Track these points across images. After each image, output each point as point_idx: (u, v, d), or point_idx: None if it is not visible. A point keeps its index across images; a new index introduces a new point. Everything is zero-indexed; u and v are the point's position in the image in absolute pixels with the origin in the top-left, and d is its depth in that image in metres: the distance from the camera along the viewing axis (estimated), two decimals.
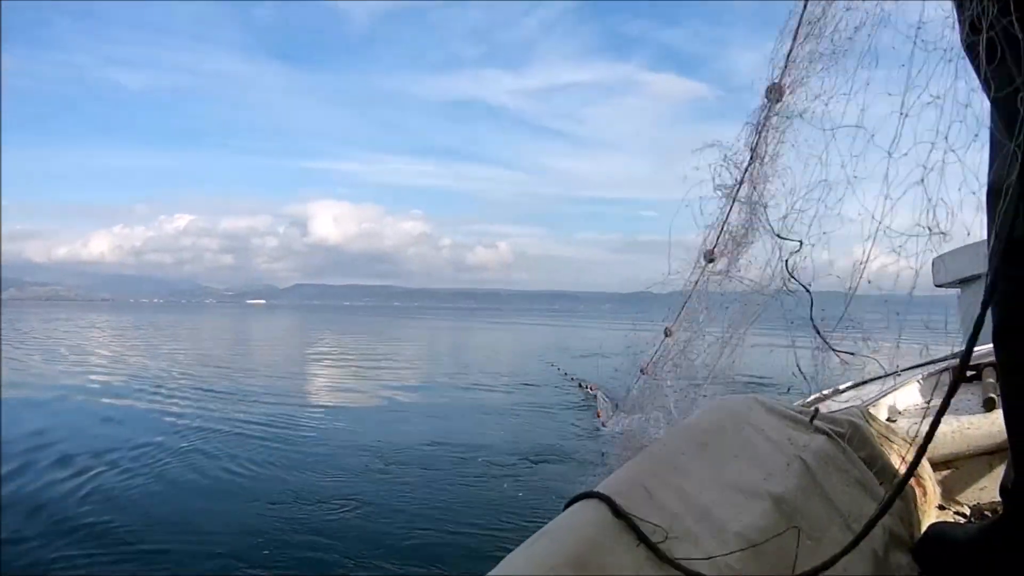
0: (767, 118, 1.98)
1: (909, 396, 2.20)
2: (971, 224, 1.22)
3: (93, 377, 17.36)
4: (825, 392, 2.07)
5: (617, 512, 0.92)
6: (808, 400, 1.85)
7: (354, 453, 9.44)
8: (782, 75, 1.90)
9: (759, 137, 2.03)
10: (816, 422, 1.34)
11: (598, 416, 11.42)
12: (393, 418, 12.03)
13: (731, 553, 0.91)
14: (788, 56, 1.87)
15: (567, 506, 0.97)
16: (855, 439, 1.33)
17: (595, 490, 0.96)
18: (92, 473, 8.09)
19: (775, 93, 1.94)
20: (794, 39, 1.82)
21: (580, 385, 15.34)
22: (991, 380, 2.16)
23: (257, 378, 17.76)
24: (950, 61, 1.18)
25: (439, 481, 7.84)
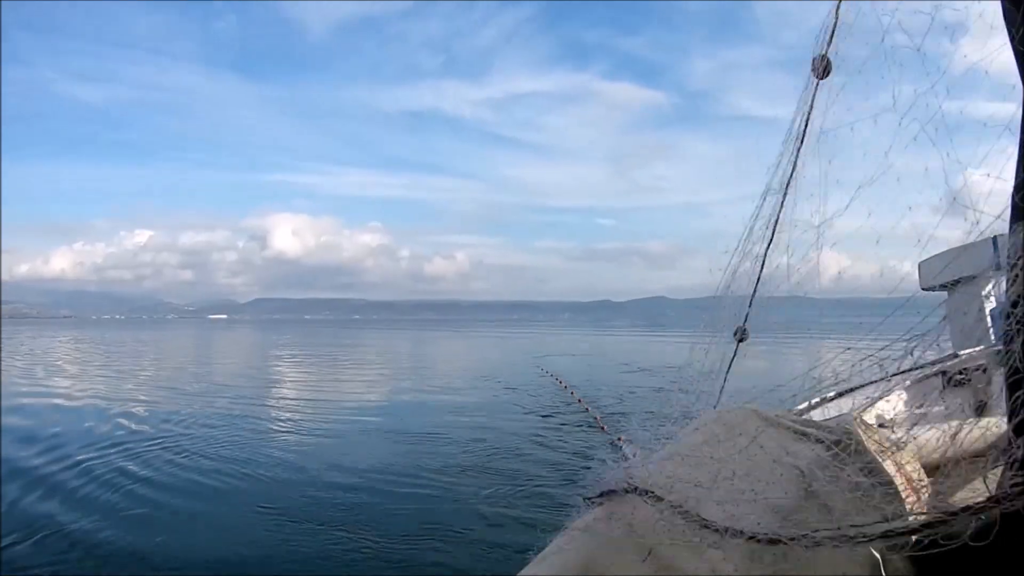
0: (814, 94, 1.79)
1: (899, 402, 2.22)
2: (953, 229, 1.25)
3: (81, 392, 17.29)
4: (816, 400, 2.07)
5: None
6: (800, 408, 1.86)
7: (367, 454, 9.69)
8: (827, 46, 1.76)
9: (808, 115, 1.84)
10: (810, 430, 1.36)
11: (603, 430, 11.46)
12: (389, 430, 12.01)
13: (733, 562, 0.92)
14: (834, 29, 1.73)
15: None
16: (848, 446, 1.35)
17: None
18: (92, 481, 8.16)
19: (821, 65, 1.79)
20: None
21: (580, 400, 15.37)
22: (981, 384, 2.18)
23: (238, 394, 17.61)
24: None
25: (447, 486, 7.89)
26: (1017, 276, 0.94)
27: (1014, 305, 1.01)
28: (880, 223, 1.42)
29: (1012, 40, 1.10)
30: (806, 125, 1.81)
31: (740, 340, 2.18)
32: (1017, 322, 1.02)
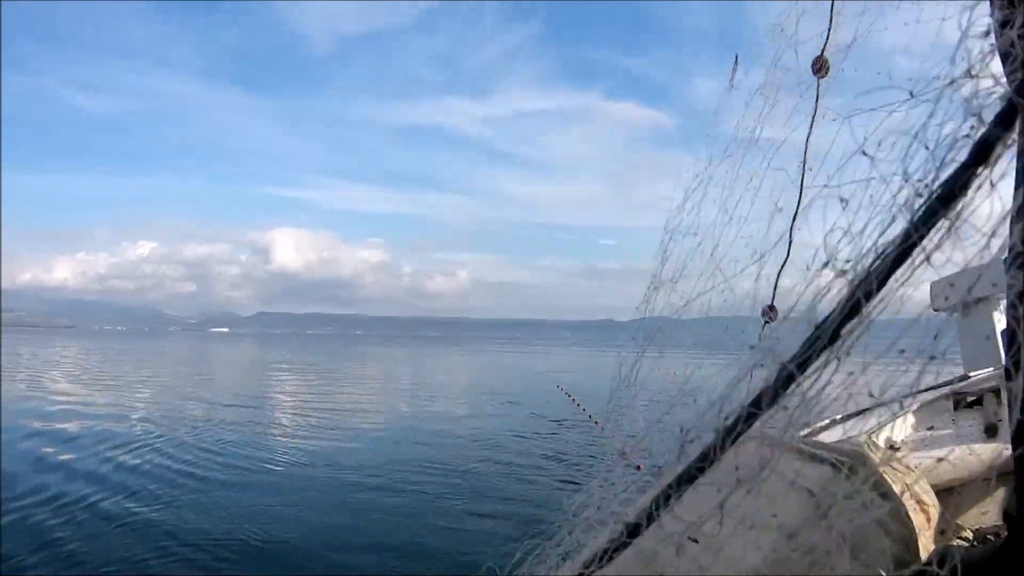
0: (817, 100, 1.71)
1: (909, 424, 2.23)
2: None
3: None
4: (824, 422, 2.08)
5: None
6: (809, 430, 1.88)
7: (382, 467, 9.86)
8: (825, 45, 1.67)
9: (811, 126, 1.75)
10: (820, 452, 1.38)
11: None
12: (414, 445, 12.03)
13: None
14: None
15: None
16: (859, 468, 1.36)
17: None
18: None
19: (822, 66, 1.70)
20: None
21: (591, 416, 15.29)
22: (992, 407, 2.19)
23: (255, 409, 17.69)
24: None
25: (480, 498, 7.92)
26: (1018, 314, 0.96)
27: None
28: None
29: (1003, 63, 1.12)
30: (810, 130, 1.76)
31: (767, 321, 1.88)
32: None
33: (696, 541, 1.10)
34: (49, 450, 10.94)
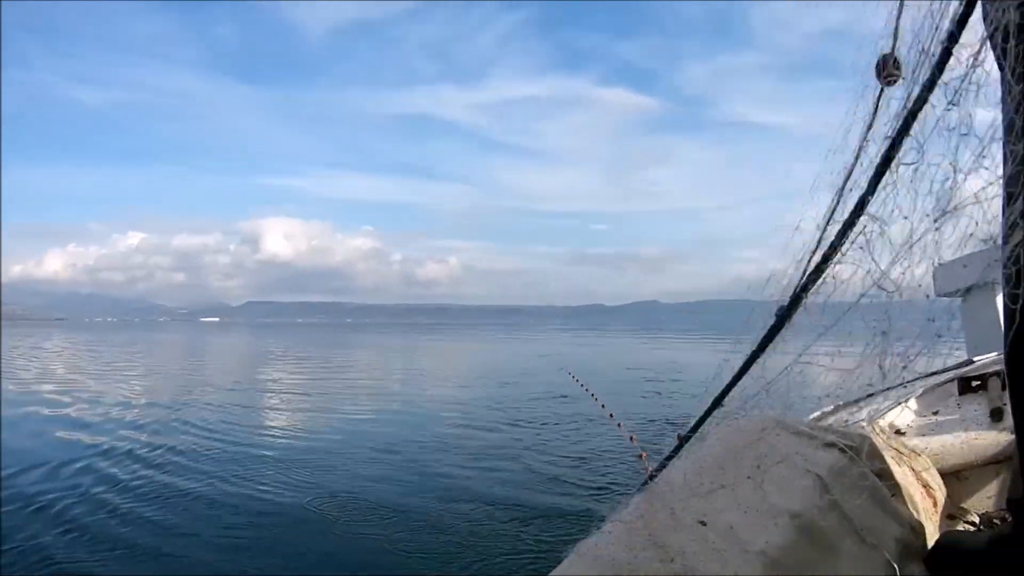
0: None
1: (914, 409, 2.24)
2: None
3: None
4: (830, 407, 2.08)
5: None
6: (816, 415, 1.88)
7: (387, 455, 9.86)
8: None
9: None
10: (828, 437, 1.38)
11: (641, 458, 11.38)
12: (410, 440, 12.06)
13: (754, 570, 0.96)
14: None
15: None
16: (866, 453, 1.37)
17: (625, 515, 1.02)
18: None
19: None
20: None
21: (597, 400, 15.28)
22: (997, 391, 2.19)
23: (253, 398, 17.71)
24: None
25: (469, 495, 7.92)
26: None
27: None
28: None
29: (992, 42, 1.10)
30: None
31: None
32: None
33: (704, 524, 1.11)
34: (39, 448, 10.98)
